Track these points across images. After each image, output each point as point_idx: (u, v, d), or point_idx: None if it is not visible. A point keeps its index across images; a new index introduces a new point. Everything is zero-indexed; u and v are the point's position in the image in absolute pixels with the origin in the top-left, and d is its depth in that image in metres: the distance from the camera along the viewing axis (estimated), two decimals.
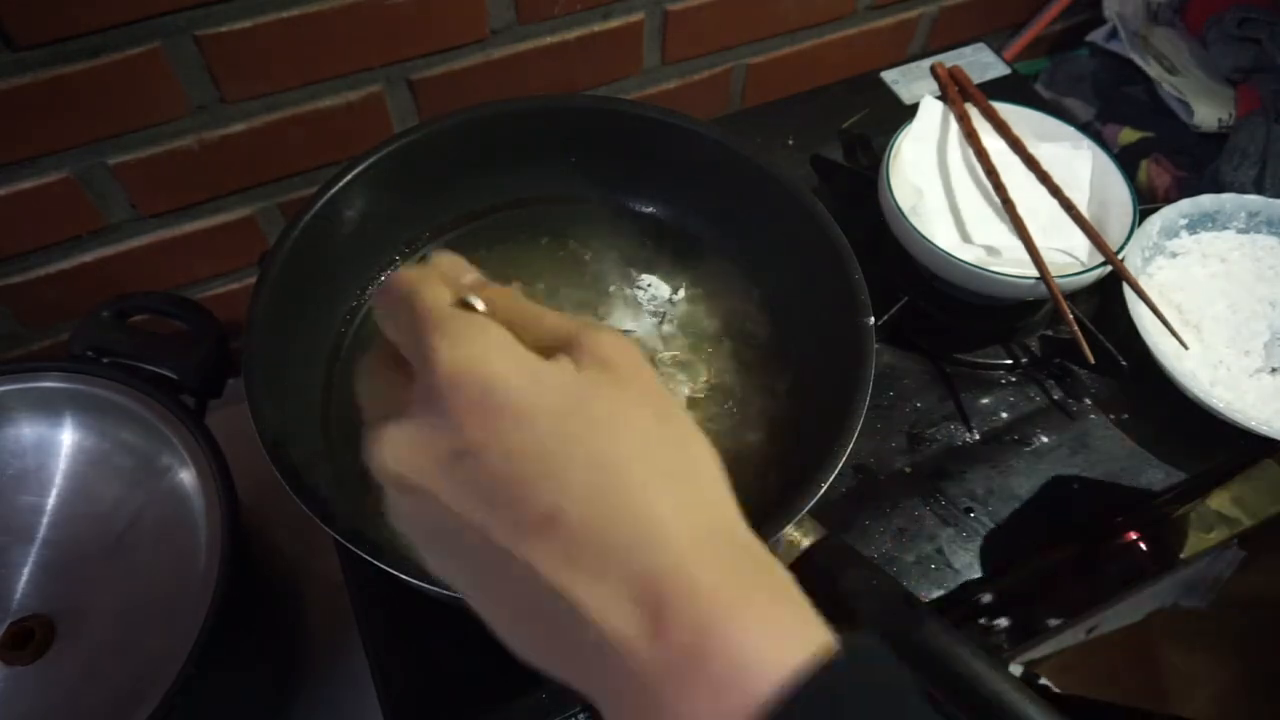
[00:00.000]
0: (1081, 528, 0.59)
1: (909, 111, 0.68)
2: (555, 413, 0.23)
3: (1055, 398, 0.64)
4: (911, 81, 0.83)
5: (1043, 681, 0.49)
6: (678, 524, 0.23)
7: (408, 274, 0.26)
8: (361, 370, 0.29)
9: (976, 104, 0.71)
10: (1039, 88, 0.94)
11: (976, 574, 0.57)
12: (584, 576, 0.22)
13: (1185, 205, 0.69)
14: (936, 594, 0.57)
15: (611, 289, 0.61)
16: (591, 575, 0.22)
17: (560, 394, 0.23)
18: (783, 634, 0.22)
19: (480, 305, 0.26)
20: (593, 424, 0.23)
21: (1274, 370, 0.63)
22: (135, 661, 0.48)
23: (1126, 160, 0.75)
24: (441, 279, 0.27)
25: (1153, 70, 0.85)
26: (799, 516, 0.44)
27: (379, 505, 0.26)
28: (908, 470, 0.60)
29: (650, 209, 0.65)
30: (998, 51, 0.87)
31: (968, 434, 0.62)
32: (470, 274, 0.28)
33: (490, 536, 0.23)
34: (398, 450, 0.24)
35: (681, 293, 0.61)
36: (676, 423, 0.25)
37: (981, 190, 0.68)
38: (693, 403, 0.58)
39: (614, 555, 0.22)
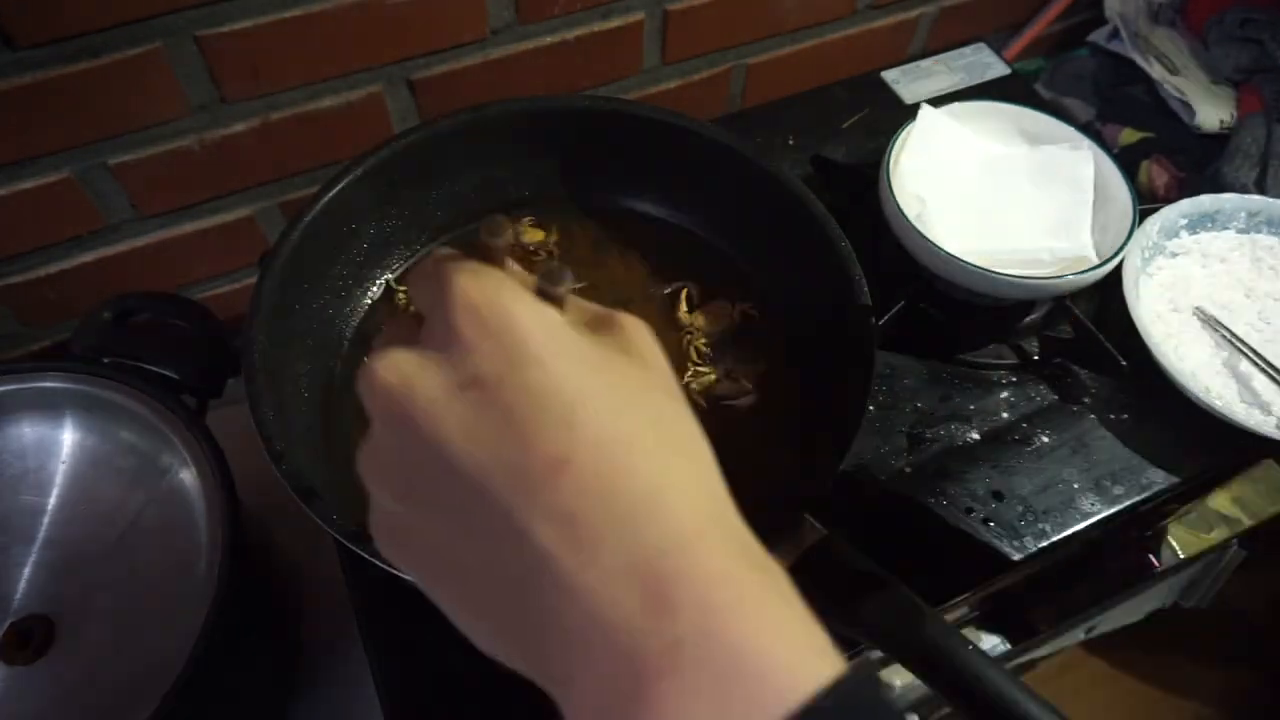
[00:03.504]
0: (1082, 528, 0.59)
1: (909, 111, 0.68)
2: (576, 362, 0.22)
3: (1056, 398, 0.64)
4: (911, 81, 0.83)
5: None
6: (686, 502, 0.21)
7: (443, 251, 0.25)
8: (383, 338, 0.27)
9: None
10: (1039, 88, 0.94)
11: (978, 574, 0.57)
12: (584, 540, 0.20)
13: (1185, 205, 0.69)
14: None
15: (611, 288, 0.61)
16: (591, 540, 0.20)
17: (581, 352, 0.22)
18: (799, 644, 0.19)
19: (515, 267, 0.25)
20: (611, 387, 0.22)
21: (1274, 370, 0.63)
22: (135, 661, 0.48)
23: (1126, 161, 0.75)
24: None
25: (1154, 70, 0.85)
26: (799, 516, 0.44)
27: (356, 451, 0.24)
28: (908, 470, 0.60)
29: (650, 209, 0.65)
30: (998, 51, 0.87)
31: (968, 434, 0.62)
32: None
33: (486, 482, 0.21)
34: (402, 371, 0.22)
35: (681, 293, 0.61)
36: (688, 416, 0.24)
37: (981, 193, 0.68)
38: (692, 403, 0.58)
39: (618, 521, 0.20)
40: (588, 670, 0.20)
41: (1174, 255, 0.69)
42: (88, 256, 0.68)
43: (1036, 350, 0.66)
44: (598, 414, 0.21)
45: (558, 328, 0.23)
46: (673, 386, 0.25)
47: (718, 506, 0.22)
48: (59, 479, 0.53)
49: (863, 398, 0.49)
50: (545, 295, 0.24)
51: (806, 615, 0.21)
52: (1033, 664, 0.84)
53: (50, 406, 0.54)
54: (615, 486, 0.20)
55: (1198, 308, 0.66)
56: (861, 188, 0.69)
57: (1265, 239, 0.70)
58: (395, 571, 0.35)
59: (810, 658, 0.19)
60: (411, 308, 0.26)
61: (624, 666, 0.19)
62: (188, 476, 0.52)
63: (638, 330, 0.25)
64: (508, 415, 0.21)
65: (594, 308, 0.26)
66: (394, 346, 0.23)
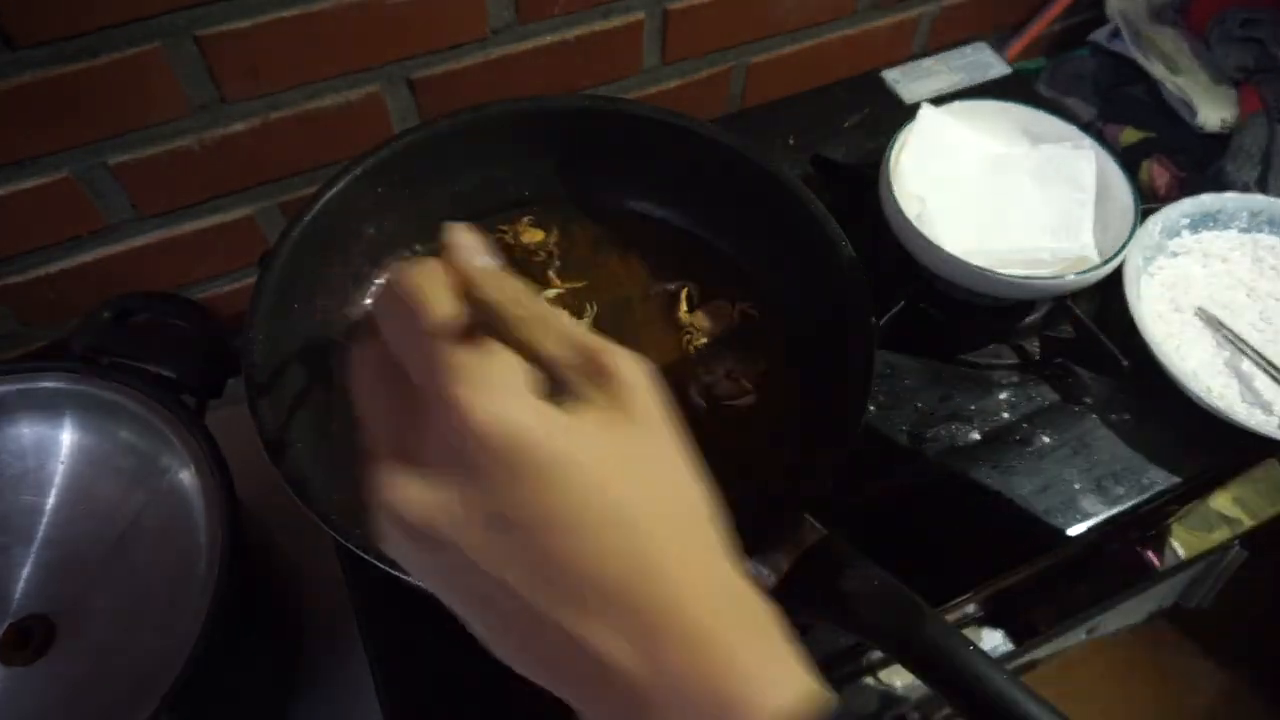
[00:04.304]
0: (1082, 528, 0.59)
1: (909, 111, 0.68)
2: (582, 469, 0.23)
3: (1056, 398, 0.64)
4: (912, 81, 0.83)
5: None
6: (681, 570, 0.24)
7: (413, 275, 0.25)
8: (358, 369, 0.27)
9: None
10: (1040, 87, 0.94)
11: (978, 574, 0.57)
12: (594, 615, 0.23)
13: (1187, 205, 0.69)
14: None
15: (611, 288, 0.61)
16: (600, 613, 0.23)
17: (585, 448, 0.24)
18: (773, 677, 0.24)
19: (493, 296, 0.25)
20: (613, 477, 0.24)
21: (1276, 370, 0.63)
22: (135, 661, 0.48)
23: (1127, 160, 0.75)
24: (449, 273, 0.25)
25: (1156, 70, 0.84)
26: (799, 516, 0.44)
27: (377, 536, 0.25)
28: (908, 470, 0.60)
29: (650, 209, 0.65)
30: (998, 51, 0.87)
31: (968, 434, 0.62)
32: (482, 256, 0.27)
33: (511, 589, 0.23)
34: (421, 504, 0.24)
35: (681, 293, 0.61)
36: (680, 466, 0.26)
37: (982, 193, 0.68)
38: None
39: (623, 596, 0.23)
40: (607, 704, 0.24)
41: (1175, 255, 0.69)
42: (88, 256, 0.67)
43: (1037, 350, 0.66)
44: (606, 520, 0.23)
45: (560, 430, 0.24)
46: (664, 437, 0.26)
47: (710, 560, 0.25)
48: (58, 479, 0.53)
49: (863, 398, 0.49)
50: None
51: (789, 651, 0.24)
52: (1034, 664, 0.84)
53: (50, 406, 0.54)
54: (621, 574, 0.23)
55: (1199, 308, 0.66)
56: (861, 188, 0.69)
57: (1267, 238, 0.70)
58: (401, 576, 0.34)
59: (787, 690, 0.23)
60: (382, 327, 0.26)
61: (635, 699, 0.23)
62: (187, 476, 0.52)
63: (629, 371, 0.25)
64: (528, 545, 0.23)
65: (582, 341, 0.25)
66: (406, 469, 0.24)
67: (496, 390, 0.23)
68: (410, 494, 0.24)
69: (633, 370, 0.25)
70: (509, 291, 0.25)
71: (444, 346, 0.24)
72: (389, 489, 0.24)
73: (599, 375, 0.25)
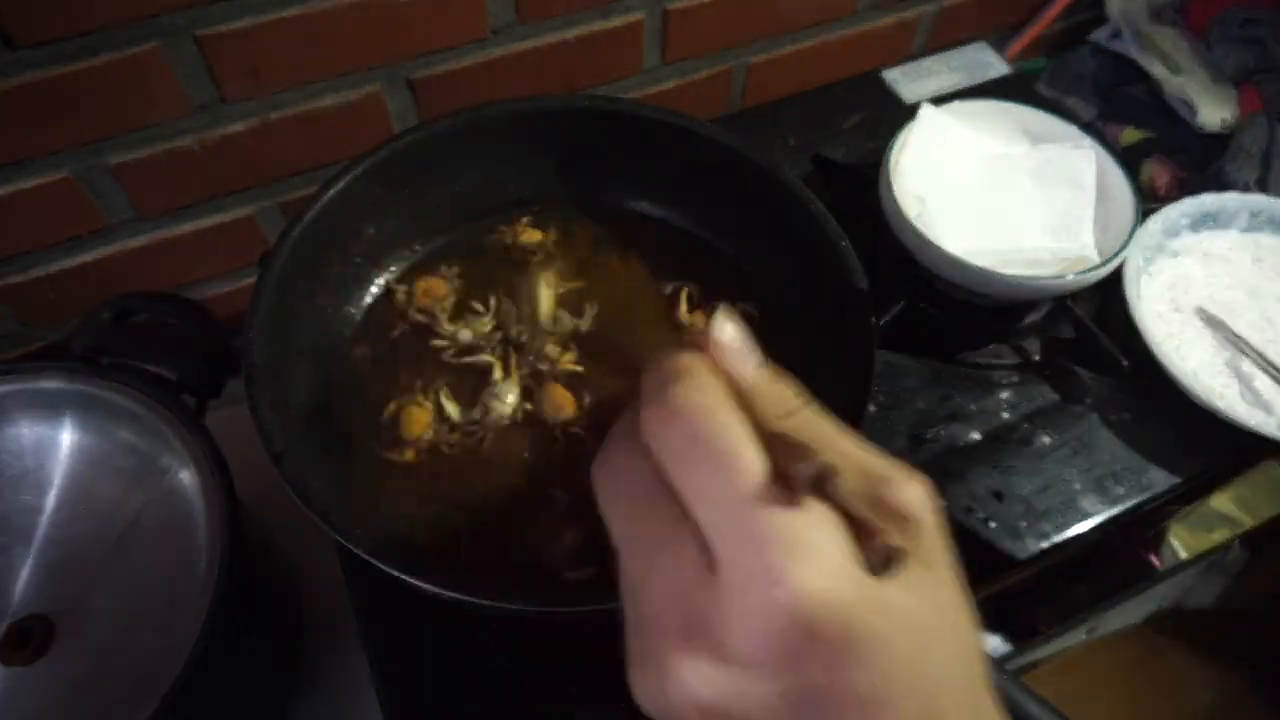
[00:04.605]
0: (1083, 529, 0.59)
1: (909, 111, 0.68)
2: (897, 644, 0.21)
3: (1056, 398, 0.64)
4: (912, 81, 0.83)
5: None
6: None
7: (694, 396, 0.22)
8: (615, 486, 0.24)
9: None
10: (1040, 87, 0.94)
11: (977, 575, 0.57)
12: None
13: (1187, 204, 0.69)
14: None
15: (611, 289, 0.61)
16: None
17: (901, 622, 0.22)
18: None
19: (793, 429, 0.22)
20: (921, 649, 0.22)
21: (1276, 370, 0.63)
22: (135, 661, 0.48)
23: (1128, 160, 0.75)
24: (719, 375, 0.23)
25: (1157, 70, 0.84)
26: None
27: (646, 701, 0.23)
28: None
29: (650, 209, 0.65)
30: (999, 51, 0.87)
31: (969, 434, 0.62)
32: (752, 358, 0.24)
33: None
34: (719, 689, 0.21)
35: (681, 293, 0.61)
36: (965, 614, 0.24)
37: (982, 193, 0.68)
38: None
39: None
40: None
41: (1176, 255, 0.69)
42: (88, 256, 0.67)
43: (1037, 350, 0.66)
44: (913, 693, 0.21)
45: (876, 604, 0.21)
46: (954, 587, 0.24)
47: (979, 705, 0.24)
48: (58, 479, 0.53)
49: (863, 398, 0.49)
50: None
51: None
52: (1034, 665, 0.84)
53: (49, 406, 0.54)
54: None
55: (1200, 308, 0.66)
56: (861, 188, 0.69)
57: (1267, 239, 0.70)
58: (402, 576, 0.34)
59: None
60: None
61: None
62: (187, 476, 0.52)
63: (923, 511, 0.23)
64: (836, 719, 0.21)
65: (875, 471, 0.23)
66: (696, 654, 0.21)
67: (825, 562, 0.21)
68: (706, 676, 0.21)
69: (923, 503, 0.23)
70: (785, 402, 0.23)
71: (757, 508, 0.21)
72: (680, 673, 0.21)
73: (895, 516, 0.23)
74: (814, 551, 0.21)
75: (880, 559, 0.23)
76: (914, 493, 0.23)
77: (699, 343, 0.24)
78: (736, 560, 0.21)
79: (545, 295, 0.59)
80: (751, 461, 0.21)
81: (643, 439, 0.23)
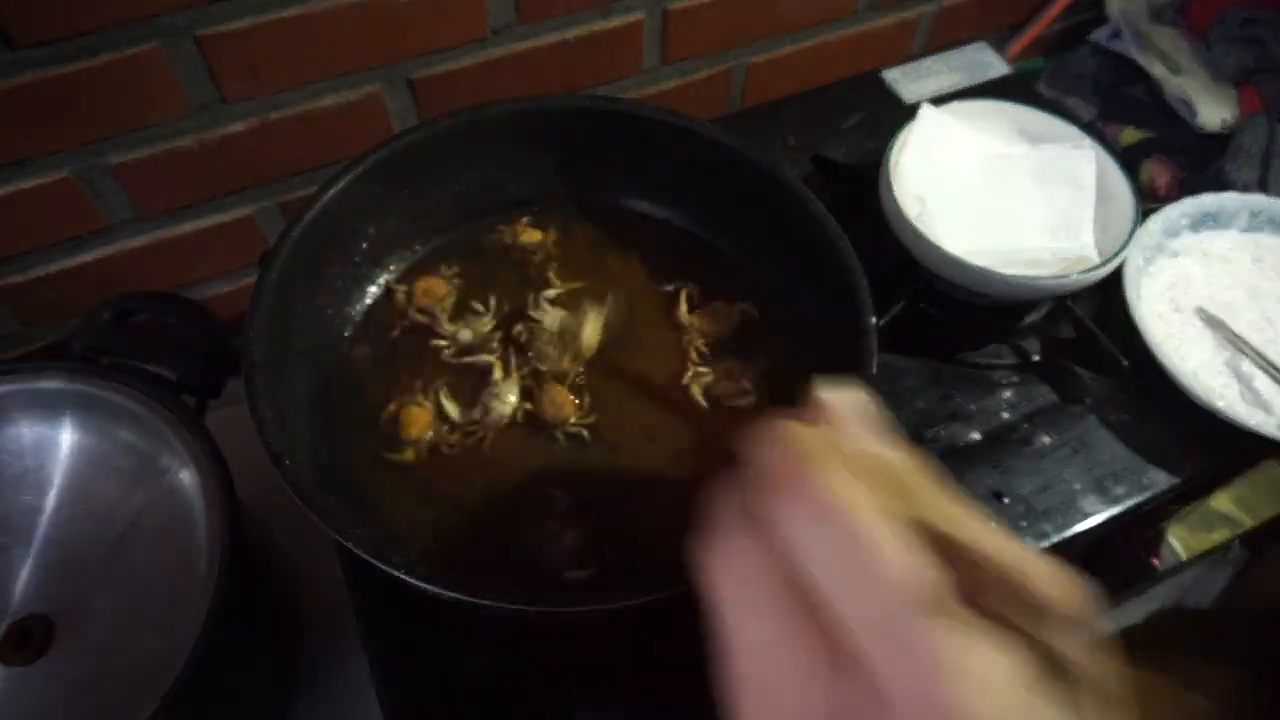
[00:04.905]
0: (1083, 528, 0.59)
1: (909, 112, 0.68)
2: None
3: (1056, 398, 0.64)
4: (911, 81, 0.83)
5: None
6: None
7: (825, 469, 0.20)
8: (729, 576, 0.22)
9: None
10: (1040, 87, 0.94)
11: None
12: None
13: (1187, 204, 0.69)
14: None
15: (611, 288, 0.61)
16: None
17: None
18: None
19: (950, 529, 0.20)
20: None
21: (1277, 370, 0.63)
22: (135, 661, 0.48)
23: (1127, 160, 0.75)
24: (835, 449, 0.21)
25: (1157, 70, 0.84)
26: None
27: None
28: None
29: (650, 209, 0.65)
30: (998, 51, 0.87)
31: (969, 434, 0.62)
32: (880, 432, 0.22)
33: None
34: None
35: (681, 293, 0.61)
36: None
37: (982, 193, 0.68)
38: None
39: None
40: None
41: (1176, 255, 0.69)
42: (88, 256, 0.67)
43: (1037, 350, 0.66)
44: None
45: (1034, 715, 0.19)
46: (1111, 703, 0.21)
47: None
48: (58, 479, 0.53)
49: None
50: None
51: None
52: None
53: (49, 406, 0.54)
54: None
55: (1200, 308, 0.66)
56: (861, 188, 0.69)
57: (1268, 239, 0.70)
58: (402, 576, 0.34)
59: None
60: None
61: None
62: (187, 476, 0.52)
63: (1069, 597, 0.21)
64: None
65: (1014, 561, 0.21)
66: None
67: (1000, 688, 0.19)
68: None
69: (1070, 590, 0.21)
70: (923, 490, 0.21)
71: (918, 621, 0.19)
72: None
73: (1046, 609, 0.21)
74: (986, 673, 0.19)
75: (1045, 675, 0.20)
76: (1059, 590, 0.21)
77: (815, 412, 0.22)
78: (887, 672, 0.19)
79: (592, 326, 0.57)
80: (912, 570, 0.19)
81: (766, 529, 0.21)
